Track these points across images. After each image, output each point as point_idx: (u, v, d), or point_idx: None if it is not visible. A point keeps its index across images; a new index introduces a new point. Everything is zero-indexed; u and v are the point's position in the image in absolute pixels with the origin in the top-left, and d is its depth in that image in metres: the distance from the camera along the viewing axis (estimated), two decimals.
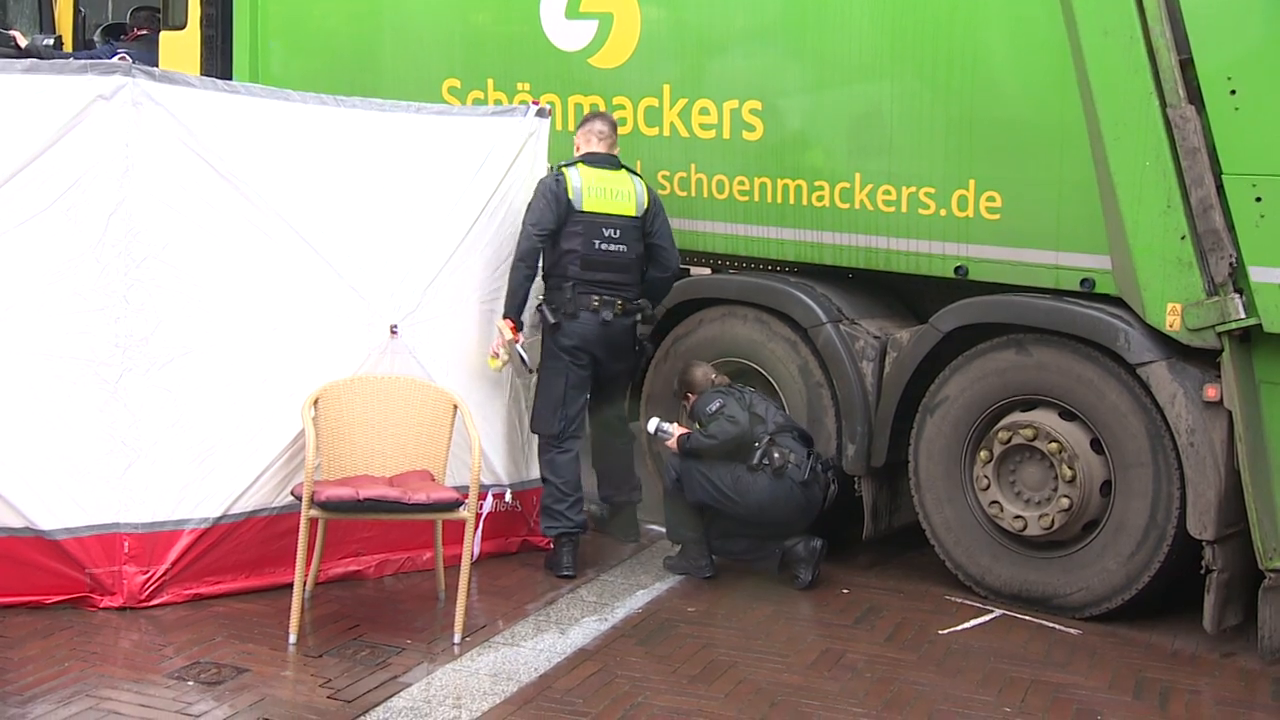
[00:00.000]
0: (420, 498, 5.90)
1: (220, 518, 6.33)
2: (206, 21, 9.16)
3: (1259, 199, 5.82)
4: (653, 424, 7.04)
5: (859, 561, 7.36)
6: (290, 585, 6.07)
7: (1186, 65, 5.99)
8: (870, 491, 7.17)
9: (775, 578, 6.95)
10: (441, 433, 6.41)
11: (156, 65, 7.58)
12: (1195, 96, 5.98)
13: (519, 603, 6.49)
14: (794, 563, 6.80)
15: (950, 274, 6.91)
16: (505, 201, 6.99)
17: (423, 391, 6.48)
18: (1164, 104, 6.03)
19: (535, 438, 7.13)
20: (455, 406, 6.42)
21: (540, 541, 7.28)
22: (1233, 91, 5.85)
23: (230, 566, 6.35)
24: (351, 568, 6.71)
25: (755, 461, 6.61)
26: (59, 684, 5.33)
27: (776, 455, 6.60)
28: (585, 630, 6.15)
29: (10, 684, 5.30)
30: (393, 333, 6.60)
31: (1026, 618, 6.55)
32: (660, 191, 7.51)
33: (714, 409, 6.71)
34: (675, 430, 6.93)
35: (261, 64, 8.91)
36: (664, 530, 7.28)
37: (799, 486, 6.65)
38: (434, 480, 6.32)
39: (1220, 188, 5.94)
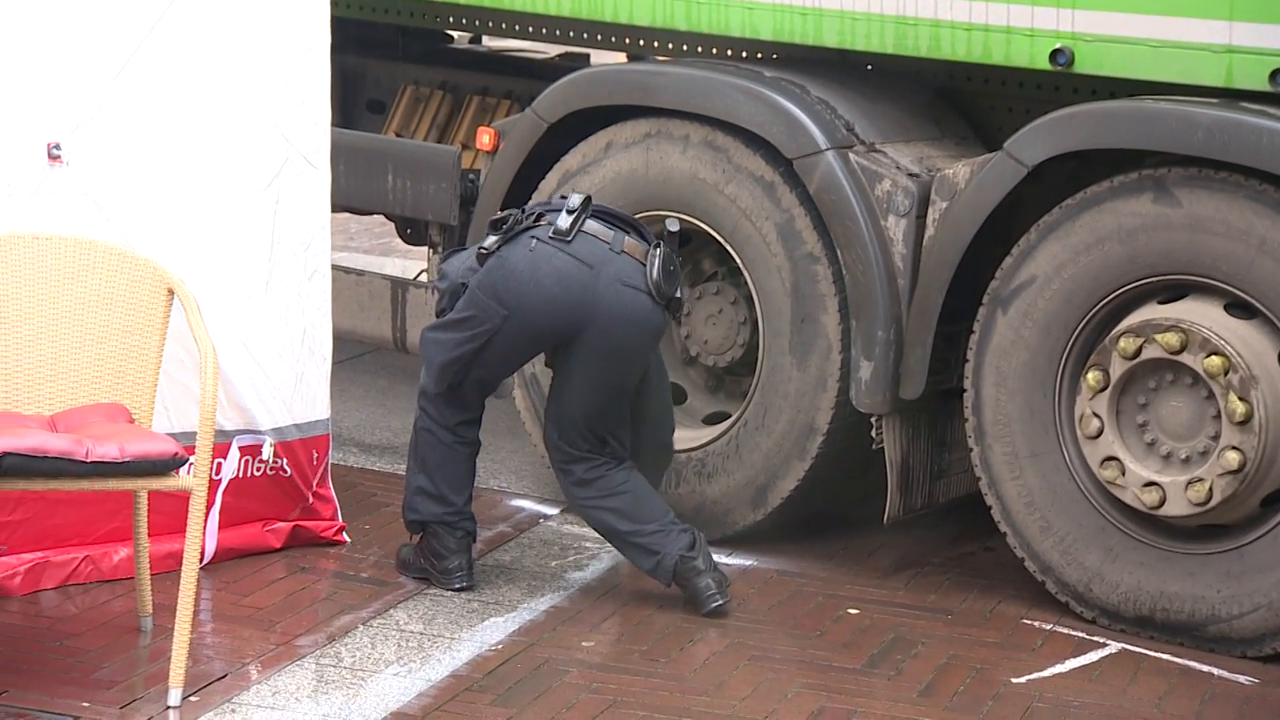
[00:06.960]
0: (107, 453, 5.04)
1: None
2: None
3: None
4: None
5: (876, 562, 6.46)
6: None
7: None
8: (897, 442, 6.14)
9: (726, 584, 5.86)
10: (148, 338, 5.49)
11: None
12: None
13: (285, 635, 5.51)
14: (688, 570, 5.62)
15: (1044, 64, 6.02)
16: None
17: (114, 265, 5.52)
18: None
19: (319, 356, 6.26)
20: (172, 292, 5.39)
21: (325, 530, 6.15)
22: None
23: None
24: None
25: (486, 245, 5.63)
26: None
27: (499, 215, 5.71)
28: (400, 684, 5.21)
29: None
30: (53, 157, 5.58)
31: (1163, 656, 5.73)
32: None
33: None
34: None
35: None
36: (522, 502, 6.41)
37: (560, 250, 5.51)
38: (133, 422, 5.35)
39: None
